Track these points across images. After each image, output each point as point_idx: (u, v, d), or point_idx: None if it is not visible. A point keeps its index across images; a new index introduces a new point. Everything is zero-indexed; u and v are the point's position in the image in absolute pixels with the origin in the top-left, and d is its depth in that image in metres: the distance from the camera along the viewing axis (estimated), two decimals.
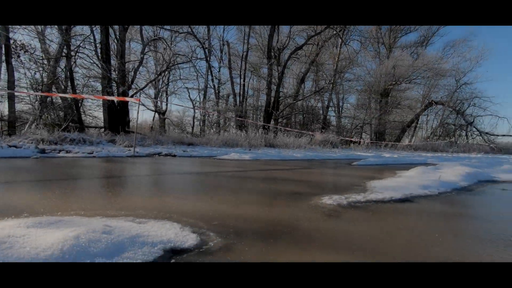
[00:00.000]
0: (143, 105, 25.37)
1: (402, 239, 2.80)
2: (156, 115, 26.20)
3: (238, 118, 23.73)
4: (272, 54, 26.78)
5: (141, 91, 21.84)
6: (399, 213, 3.88)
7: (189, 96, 26.86)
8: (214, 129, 26.94)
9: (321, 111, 34.57)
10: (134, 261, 1.88)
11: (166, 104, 26.87)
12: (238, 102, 27.25)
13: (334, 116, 36.27)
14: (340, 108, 36.27)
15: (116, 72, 18.00)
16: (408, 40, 37.97)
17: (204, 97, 27.43)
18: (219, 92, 28.81)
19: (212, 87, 27.98)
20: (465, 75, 33.36)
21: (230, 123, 26.73)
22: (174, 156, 12.49)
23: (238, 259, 2.14)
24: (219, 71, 28.57)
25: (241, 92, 27.79)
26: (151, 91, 26.04)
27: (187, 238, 2.42)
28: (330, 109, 34.84)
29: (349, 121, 35.67)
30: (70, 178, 5.54)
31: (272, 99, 27.14)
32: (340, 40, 29.87)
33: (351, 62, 33.01)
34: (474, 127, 33.26)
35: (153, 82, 23.32)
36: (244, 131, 24.25)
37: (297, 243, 2.55)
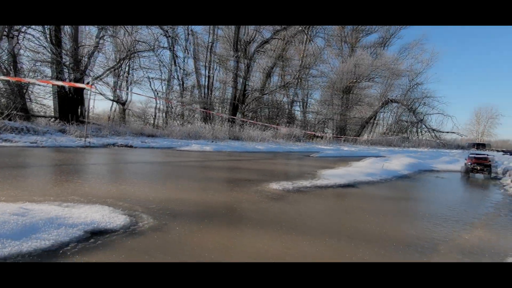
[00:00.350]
0: (101, 94, 23.84)
1: (333, 216, 2.97)
2: (116, 105, 24.80)
3: (203, 110, 23.30)
4: (239, 46, 26.58)
5: (99, 80, 20.49)
6: (339, 195, 4.09)
7: (151, 86, 25.66)
8: (178, 121, 26.20)
9: (286, 106, 35.18)
10: (54, 243, 1.77)
11: (127, 94, 25.57)
12: (203, 94, 26.72)
13: (299, 111, 37.11)
14: (305, 103, 37.20)
15: (69, 56, 16.65)
16: (369, 40, 39.86)
17: (168, 88, 26.47)
18: (184, 83, 27.97)
19: (177, 77, 27.10)
20: (417, 76, 36.03)
21: (195, 115, 26.15)
22: (131, 146, 11.96)
23: (165, 238, 2.11)
24: (184, 61, 27.70)
25: (207, 84, 27.28)
26: (111, 80, 24.60)
27: (114, 219, 2.33)
28: (295, 104, 35.60)
29: (313, 116, 36.76)
30: (3, 166, 5.05)
31: (239, 92, 27.05)
32: (306, 36, 30.53)
33: (316, 59, 33.94)
34: (424, 124, 36.17)
35: (113, 70, 21.99)
36: (209, 124, 23.93)
37: (232, 222, 2.58)
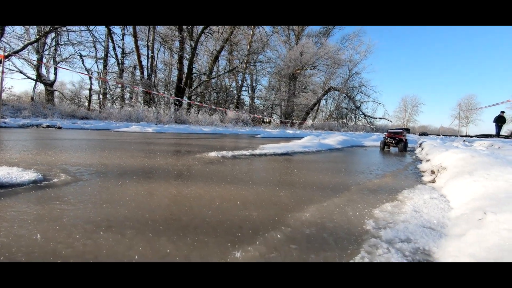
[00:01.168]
0: (21, 72, 20.69)
1: (265, 173, 3.13)
2: (40, 85, 21.78)
3: (145, 90, 21.91)
4: (185, 26, 25.37)
5: (18, 55, 17.64)
6: (273, 160, 4.31)
7: (84, 65, 23.07)
8: (118, 104, 24.23)
9: (235, 91, 35.07)
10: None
11: (55, 74, 22.57)
12: (146, 76, 25.07)
13: (247, 96, 37.34)
14: (253, 89, 37.52)
15: None
16: (314, 29, 41.49)
17: (104, 68, 24.11)
18: (122, 63, 25.80)
19: (114, 56, 24.84)
20: (356, 66, 38.94)
21: (137, 97, 24.47)
22: (60, 128, 10.76)
23: (83, 189, 2.00)
24: (122, 39, 25.45)
25: (150, 65, 25.61)
26: (34, 57, 21.39)
27: (23, 176, 2.12)
28: (243, 89, 35.68)
29: (261, 102, 37.37)
30: None
31: (185, 75, 25.98)
32: None
33: (264, 45, 34.24)
34: (360, 111, 39.53)
35: (35, 44, 19.14)
36: (153, 107, 22.67)
37: (161, 177, 2.54)
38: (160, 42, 26.53)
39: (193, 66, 28.09)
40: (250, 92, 36.73)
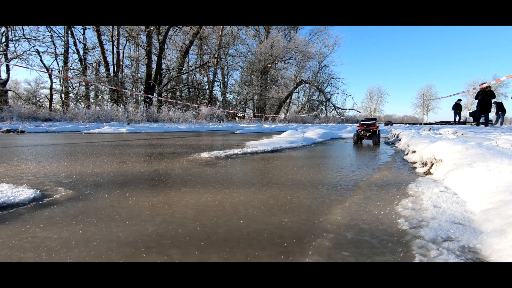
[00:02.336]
0: None
1: (264, 172, 3.11)
2: None
3: (112, 88, 20.78)
4: None
5: None
6: (267, 158, 4.31)
7: (41, 61, 21.25)
8: (82, 104, 22.73)
9: (206, 86, 34.45)
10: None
11: (7, 72, 20.54)
12: (112, 73, 23.72)
13: (220, 91, 36.87)
14: (226, 83, 37.11)
15: None
16: None
17: (65, 65, 22.40)
18: (85, 59, 24.15)
19: (76, 52, 23.17)
20: (325, 59, 39.98)
21: (103, 95, 23.10)
22: (23, 132, 9.88)
23: (93, 204, 1.85)
24: (84, 33, 23.77)
25: (115, 62, 24.25)
26: None
27: (20, 193, 1.92)
28: (216, 84, 35.16)
29: (234, 97, 37.12)
30: None
31: (154, 71, 24.97)
32: None
33: (235, 38, 33.87)
34: (331, 103, 40.83)
35: None
36: (121, 105, 21.57)
37: (168, 185, 2.43)
38: (126, 37, 25.20)
39: (162, 61, 27.11)
40: (222, 87, 36.31)
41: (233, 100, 36.53)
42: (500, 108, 15.22)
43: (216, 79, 34.49)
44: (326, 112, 41.58)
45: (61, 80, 22.15)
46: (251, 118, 33.22)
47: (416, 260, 1.14)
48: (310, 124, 28.05)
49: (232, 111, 28.82)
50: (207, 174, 2.94)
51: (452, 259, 1.12)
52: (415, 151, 4.26)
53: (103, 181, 2.54)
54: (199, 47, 32.99)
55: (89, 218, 1.61)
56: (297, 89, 41.17)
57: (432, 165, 3.08)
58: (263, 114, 32.54)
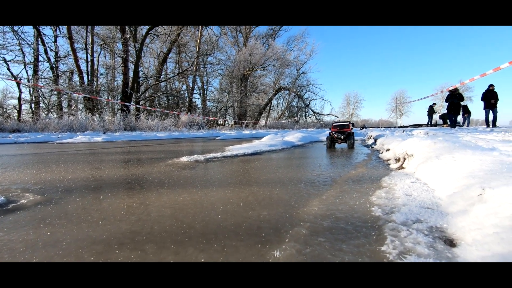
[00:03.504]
0: None
1: (244, 173, 3.11)
2: None
3: (86, 96, 20.09)
4: (127, 27, 23.85)
5: None
6: (247, 161, 4.31)
7: (9, 70, 20.14)
8: (55, 114, 21.73)
9: (186, 94, 34.11)
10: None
11: None
12: (86, 81, 22.91)
13: (199, 99, 36.61)
14: (205, 91, 36.92)
15: None
16: (261, 31, 42.52)
17: (35, 73, 21.37)
18: (57, 67, 23.18)
19: (47, 60, 22.20)
20: (302, 66, 40.88)
21: (77, 104, 22.21)
22: None
23: (63, 208, 1.76)
24: (55, 41, 22.86)
25: (90, 70, 23.48)
26: None
27: None
28: (195, 91, 34.90)
29: (214, 104, 36.98)
30: None
31: (131, 79, 24.41)
32: None
33: (214, 46, 33.93)
34: (310, 108, 41.62)
35: None
36: (97, 115, 20.84)
37: (145, 187, 2.37)
38: (101, 45, 24.56)
39: (139, 69, 26.59)
40: (201, 94, 36.10)
41: (213, 107, 36.35)
42: (466, 111, 16.31)
43: (195, 86, 34.22)
44: (306, 118, 42.31)
45: (31, 90, 21.09)
46: (231, 125, 33.18)
47: (388, 241, 1.18)
48: (290, 130, 28.42)
49: (212, 118, 28.63)
50: (185, 176, 2.90)
51: (420, 238, 1.17)
52: (389, 149, 4.43)
53: (75, 186, 2.43)
54: (178, 54, 32.71)
55: (59, 220, 1.54)
56: (276, 96, 41.67)
57: (404, 160, 3.21)
58: (244, 121, 32.61)
